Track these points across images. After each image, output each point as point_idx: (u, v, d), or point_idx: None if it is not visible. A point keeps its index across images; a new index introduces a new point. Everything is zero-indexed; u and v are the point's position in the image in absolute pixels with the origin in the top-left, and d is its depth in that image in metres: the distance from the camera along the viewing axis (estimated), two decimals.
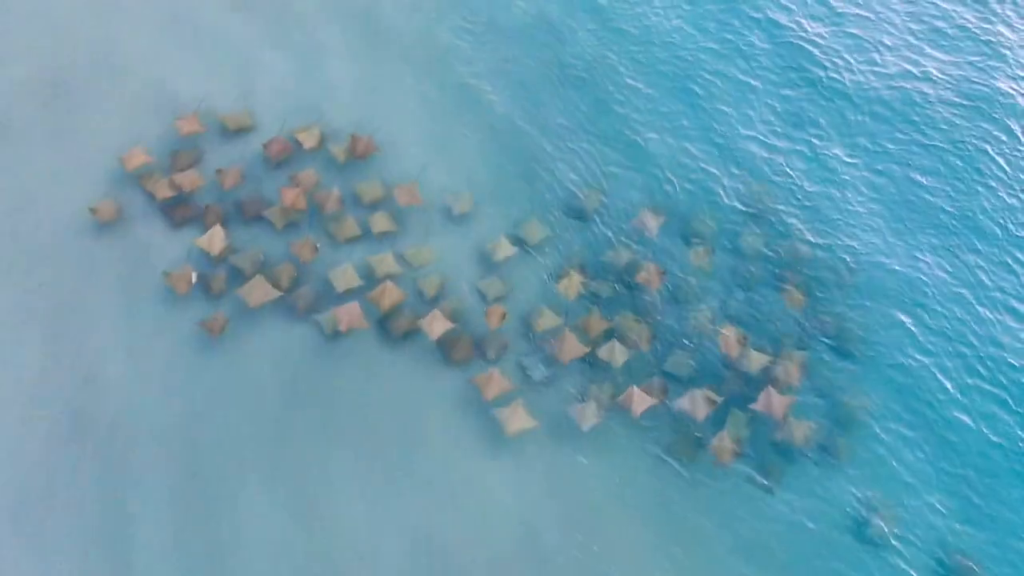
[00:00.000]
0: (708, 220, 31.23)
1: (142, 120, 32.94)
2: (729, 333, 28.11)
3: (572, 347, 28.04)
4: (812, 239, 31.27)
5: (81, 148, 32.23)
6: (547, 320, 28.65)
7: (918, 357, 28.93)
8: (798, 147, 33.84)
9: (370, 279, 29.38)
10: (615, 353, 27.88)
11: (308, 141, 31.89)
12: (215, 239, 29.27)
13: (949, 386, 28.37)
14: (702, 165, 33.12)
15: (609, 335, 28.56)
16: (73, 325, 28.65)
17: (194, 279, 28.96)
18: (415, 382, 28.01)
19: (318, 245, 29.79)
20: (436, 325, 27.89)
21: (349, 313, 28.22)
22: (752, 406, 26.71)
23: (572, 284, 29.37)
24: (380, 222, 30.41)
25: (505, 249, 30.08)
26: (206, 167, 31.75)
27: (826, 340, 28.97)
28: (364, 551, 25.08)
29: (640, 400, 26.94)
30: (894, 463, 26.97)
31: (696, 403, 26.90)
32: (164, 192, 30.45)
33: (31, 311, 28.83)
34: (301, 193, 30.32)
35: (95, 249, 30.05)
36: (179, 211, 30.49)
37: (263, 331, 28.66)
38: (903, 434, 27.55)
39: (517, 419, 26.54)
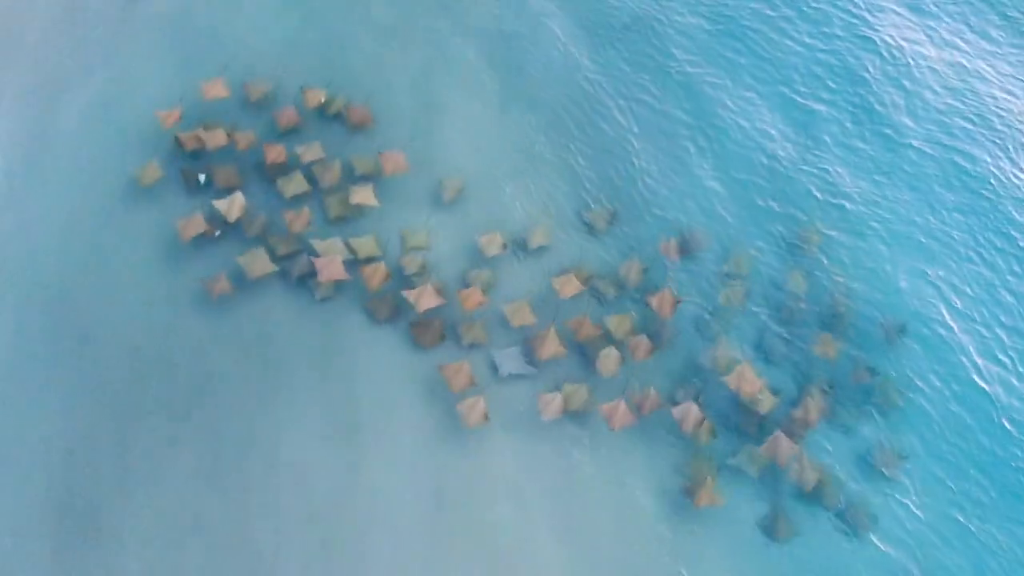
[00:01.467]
0: (747, 255, 29.06)
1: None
2: (744, 370, 25.85)
3: (551, 346, 26.46)
4: (859, 288, 28.75)
5: None
6: (523, 315, 27.23)
7: (961, 429, 26.48)
8: (858, 190, 31.19)
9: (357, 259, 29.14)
10: (608, 361, 26.19)
11: (312, 102, 32.53)
12: (235, 205, 29.48)
13: (992, 458, 25.89)
14: (750, 195, 31.03)
15: (606, 342, 27.03)
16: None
17: (217, 233, 29.46)
18: (388, 358, 27.43)
19: (311, 220, 29.73)
20: (425, 299, 27.29)
21: (330, 265, 28.04)
22: (761, 448, 25.01)
23: (570, 282, 27.72)
24: (360, 194, 29.87)
25: (495, 245, 28.93)
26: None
27: (858, 393, 26.60)
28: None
29: (623, 416, 25.32)
30: (923, 530, 24.80)
31: (688, 415, 25.43)
32: (191, 144, 31.24)
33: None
34: (282, 152, 30.94)
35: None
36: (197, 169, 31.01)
37: (253, 290, 28.76)
38: (937, 503, 25.25)
39: (475, 415, 25.58)
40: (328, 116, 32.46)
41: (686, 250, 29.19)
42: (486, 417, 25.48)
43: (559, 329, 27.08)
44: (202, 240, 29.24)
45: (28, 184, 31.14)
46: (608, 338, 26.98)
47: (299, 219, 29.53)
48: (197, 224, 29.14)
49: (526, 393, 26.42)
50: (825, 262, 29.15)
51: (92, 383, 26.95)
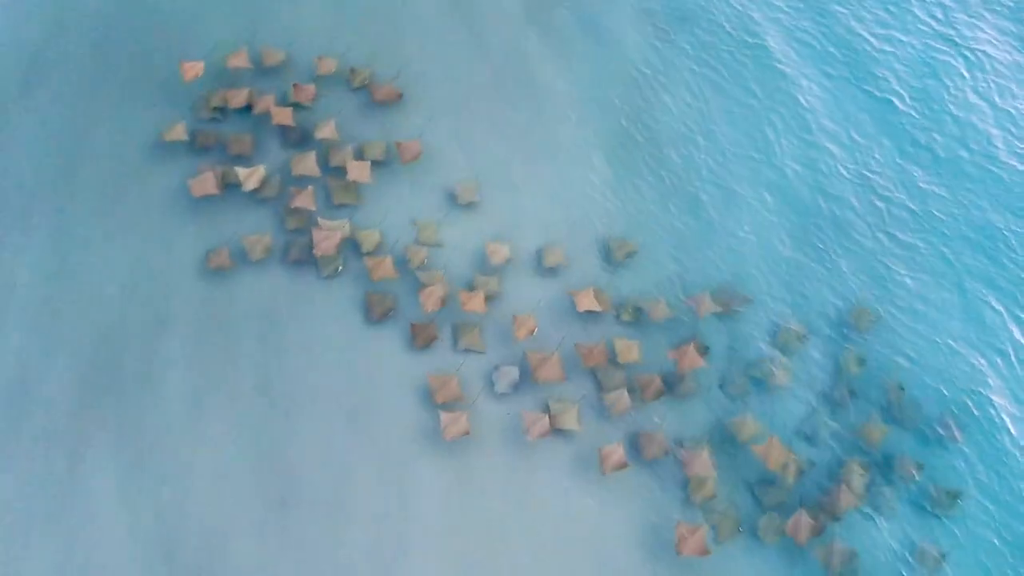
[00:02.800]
0: (795, 331, 26.16)
1: None
2: (775, 442, 23.57)
3: (552, 370, 24.77)
4: (915, 376, 25.86)
5: None
6: (528, 328, 25.58)
7: (1014, 539, 23.71)
8: (923, 270, 28.09)
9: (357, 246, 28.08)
10: (620, 403, 24.43)
11: (323, 70, 31.59)
12: (254, 176, 28.85)
13: None
14: (802, 256, 28.18)
15: (615, 373, 25.19)
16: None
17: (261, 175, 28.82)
18: (381, 355, 26.13)
19: (313, 208, 28.60)
20: (432, 299, 26.07)
21: (326, 241, 27.28)
22: (785, 524, 23.03)
23: (588, 297, 25.94)
24: (356, 170, 28.83)
25: (501, 255, 27.24)
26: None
27: (905, 486, 24.17)
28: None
29: (617, 461, 23.61)
30: None
31: (696, 461, 23.62)
32: (214, 102, 30.83)
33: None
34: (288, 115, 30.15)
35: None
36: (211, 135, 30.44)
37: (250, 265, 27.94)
38: None
39: (457, 427, 24.17)
40: (354, 89, 31.15)
41: (722, 306, 26.37)
42: (467, 433, 23.99)
43: (565, 350, 25.45)
44: (211, 201, 28.76)
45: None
46: (613, 361, 25.23)
47: (302, 196, 28.56)
48: (207, 183, 28.54)
49: (517, 408, 24.96)
50: (879, 345, 26.15)
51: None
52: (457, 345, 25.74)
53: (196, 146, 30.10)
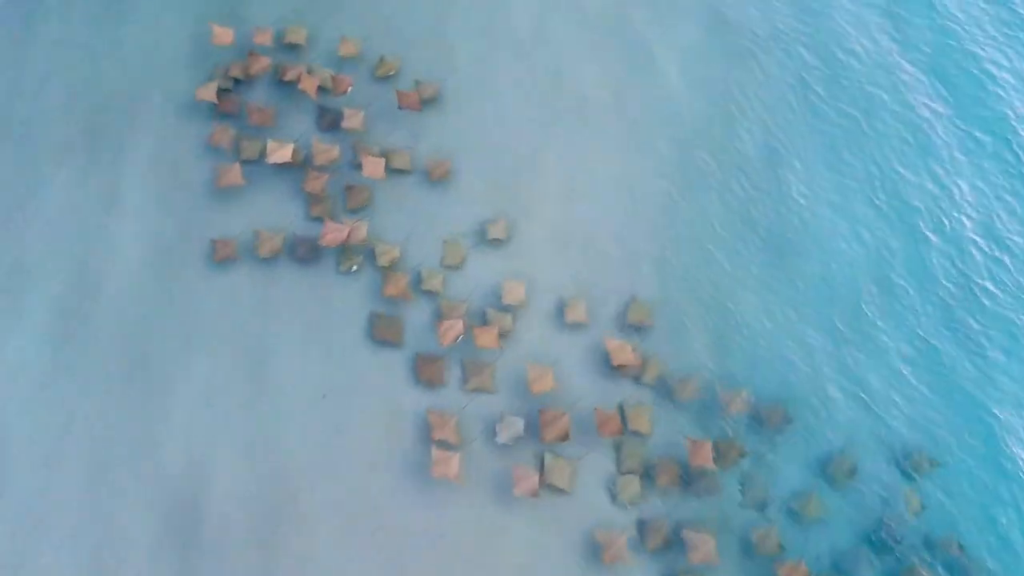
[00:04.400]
0: (847, 461, 23.72)
1: None
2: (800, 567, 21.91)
3: (561, 432, 23.20)
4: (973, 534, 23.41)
5: None
6: (544, 382, 23.83)
7: None
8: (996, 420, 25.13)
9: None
10: (629, 488, 22.83)
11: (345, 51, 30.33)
12: (283, 152, 27.62)
13: None
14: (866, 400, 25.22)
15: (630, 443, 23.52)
16: None
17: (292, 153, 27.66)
18: (382, 377, 24.52)
19: (325, 187, 27.54)
20: (451, 333, 24.59)
21: (336, 232, 26.21)
22: None
23: (623, 351, 24.33)
24: (370, 166, 27.52)
25: (516, 295, 25.58)
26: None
27: None
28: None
29: (619, 552, 21.96)
30: None
31: (701, 546, 22.03)
32: (234, 71, 29.66)
33: None
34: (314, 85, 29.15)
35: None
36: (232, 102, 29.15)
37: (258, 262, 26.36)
38: None
39: (446, 468, 22.72)
40: (376, 79, 29.68)
41: (765, 417, 24.07)
42: (456, 477, 22.51)
43: (579, 411, 23.83)
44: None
45: None
46: (622, 418, 23.74)
47: (316, 182, 27.48)
48: (234, 175, 27.36)
49: (512, 459, 23.41)
50: (940, 494, 23.59)
51: None
52: (466, 384, 24.09)
53: (219, 110, 28.78)
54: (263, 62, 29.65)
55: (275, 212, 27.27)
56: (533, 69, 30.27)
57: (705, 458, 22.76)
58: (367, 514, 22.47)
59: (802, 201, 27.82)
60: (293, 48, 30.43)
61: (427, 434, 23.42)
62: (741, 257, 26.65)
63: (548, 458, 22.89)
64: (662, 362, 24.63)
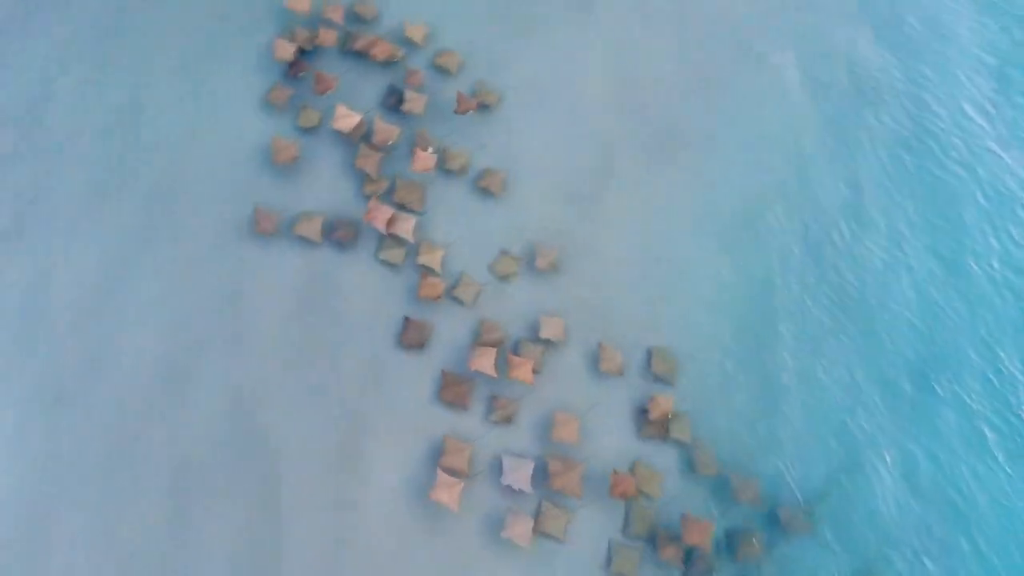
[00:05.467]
0: None
1: None
2: None
3: (570, 484, 22.46)
4: None
5: None
6: (568, 432, 23.03)
7: None
8: None
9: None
10: (623, 563, 22.02)
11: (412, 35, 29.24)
12: (349, 121, 27.08)
13: None
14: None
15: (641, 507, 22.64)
16: None
17: (357, 124, 27.07)
18: (403, 389, 23.71)
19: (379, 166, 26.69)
20: (484, 361, 23.71)
21: (381, 213, 25.67)
22: None
23: (665, 405, 23.46)
24: (422, 161, 26.67)
25: (553, 329, 24.56)
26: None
27: None
28: None
29: None
30: None
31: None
32: (300, 40, 28.86)
33: None
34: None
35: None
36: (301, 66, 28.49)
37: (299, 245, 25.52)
38: None
39: (446, 494, 22.09)
40: (434, 66, 28.58)
41: (785, 521, 22.84)
42: (455, 505, 21.92)
43: (592, 466, 23.05)
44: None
45: None
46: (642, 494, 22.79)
47: (370, 160, 26.65)
48: (290, 153, 26.60)
49: (514, 498, 22.72)
50: None
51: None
52: (490, 415, 23.31)
53: (289, 72, 28.07)
54: (331, 34, 28.71)
55: (325, 186, 26.27)
56: (608, 92, 28.72)
57: (701, 539, 22.04)
58: (345, 522, 22.10)
59: (878, 264, 26.43)
60: (362, 23, 29.36)
61: (436, 453, 22.87)
62: (801, 324, 25.42)
63: (545, 505, 22.33)
64: (692, 423, 23.74)
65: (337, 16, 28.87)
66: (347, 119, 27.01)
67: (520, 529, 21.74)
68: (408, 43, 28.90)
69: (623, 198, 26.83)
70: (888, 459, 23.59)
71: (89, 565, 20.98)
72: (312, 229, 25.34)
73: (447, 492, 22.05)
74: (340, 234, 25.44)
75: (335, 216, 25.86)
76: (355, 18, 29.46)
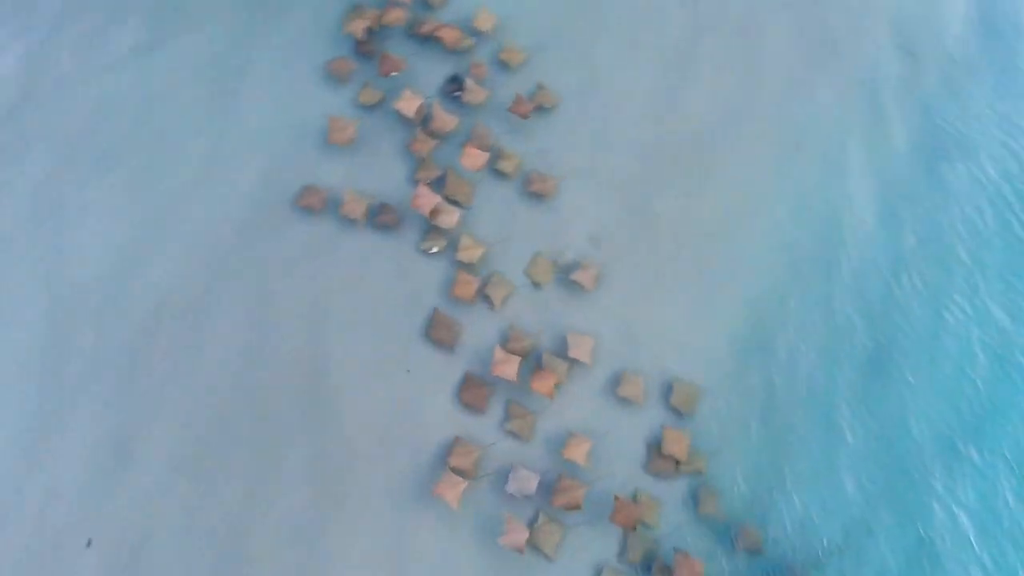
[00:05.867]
0: None
1: None
2: None
3: (572, 502, 22.57)
4: None
5: None
6: (578, 452, 23.06)
7: None
8: None
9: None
10: None
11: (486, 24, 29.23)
12: (413, 104, 27.16)
13: None
14: None
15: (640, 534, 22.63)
16: None
17: (419, 104, 27.15)
18: (422, 381, 24.02)
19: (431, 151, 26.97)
20: (508, 368, 23.87)
21: (429, 199, 25.68)
22: None
23: (679, 443, 23.34)
24: (472, 158, 26.58)
25: (583, 349, 24.37)
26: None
27: None
28: None
29: None
30: None
31: None
32: (367, 20, 28.87)
33: None
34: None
35: None
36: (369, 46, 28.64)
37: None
38: None
39: (449, 491, 22.41)
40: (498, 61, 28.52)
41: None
42: (456, 503, 22.24)
43: (597, 488, 23.06)
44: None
45: None
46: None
47: (424, 145, 26.81)
48: (347, 132, 26.73)
49: (515, 506, 22.91)
50: None
51: None
52: (506, 424, 23.48)
53: (359, 49, 28.22)
54: (400, 14, 28.65)
55: (377, 168, 26.46)
56: (672, 113, 28.29)
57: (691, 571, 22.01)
58: (345, 502, 22.53)
59: (948, 318, 25.67)
60: (428, 7, 29.29)
61: (445, 450, 23.16)
62: (842, 374, 24.84)
63: (541, 519, 22.46)
64: (705, 459, 23.51)
65: None
66: (410, 101, 27.02)
67: (516, 537, 21.92)
68: (476, 32, 28.79)
69: (676, 223, 26.52)
70: (920, 526, 23.16)
71: None
72: (357, 210, 25.56)
73: (450, 489, 22.32)
74: (384, 218, 25.63)
75: (382, 199, 26.06)
76: (424, 1, 29.44)
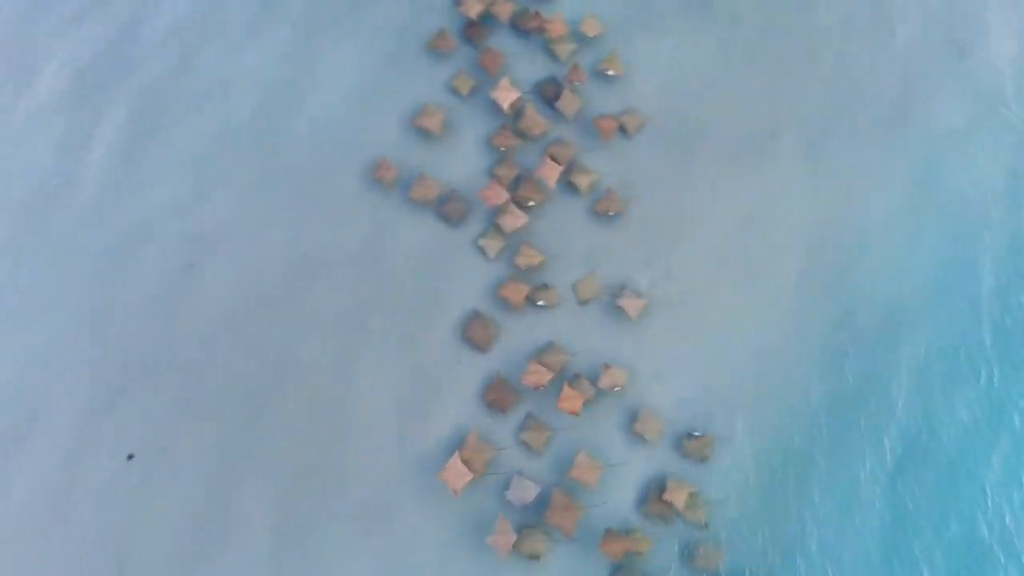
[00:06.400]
0: None
1: None
2: None
3: (566, 524, 23.05)
4: None
5: None
6: (588, 475, 23.52)
7: None
8: None
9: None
10: None
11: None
12: (508, 95, 27.80)
13: None
14: None
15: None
16: None
17: (515, 98, 27.66)
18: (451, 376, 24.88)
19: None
20: (538, 379, 24.61)
21: (499, 195, 26.37)
22: None
23: (680, 494, 23.52)
24: (547, 169, 26.87)
25: (617, 378, 24.68)
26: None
27: None
28: None
29: None
30: None
31: None
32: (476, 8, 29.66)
33: None
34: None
35: None
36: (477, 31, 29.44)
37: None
38: None
39: (454, 479, 23.31)
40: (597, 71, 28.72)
41: None
42: (456, 493, 23.15)
43: (592, 515, 23.53)
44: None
45: None
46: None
47: (507, 140, 27.43)
48: (436, 120, 27.59)
49: (511, 511, 23.63)
50: None
51: None
52: (521, 433, 24.15)
53: (467, 32, 29.09)
54: (507, 7, 29.11)
55: (456, 156, 27.07)
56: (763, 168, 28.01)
57: None
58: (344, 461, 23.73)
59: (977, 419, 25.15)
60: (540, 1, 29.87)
61: (458, 444, 23.98)
62: (872, 456, 24.50)
63: (529, 530, 22.96)
64: (708, 510, 23.59)
65: None
66: (507, 92, 27.45)
67: (503, 539, 22.66)
68: (582, 36, 28.92)
69: (727, 272, 26.42)
70: None
71: None
72: (426, 195, 26.25)
73: (456, 479, 23.18)
74: (450, 207, 26.28)
75: (453, 188, 26.72)
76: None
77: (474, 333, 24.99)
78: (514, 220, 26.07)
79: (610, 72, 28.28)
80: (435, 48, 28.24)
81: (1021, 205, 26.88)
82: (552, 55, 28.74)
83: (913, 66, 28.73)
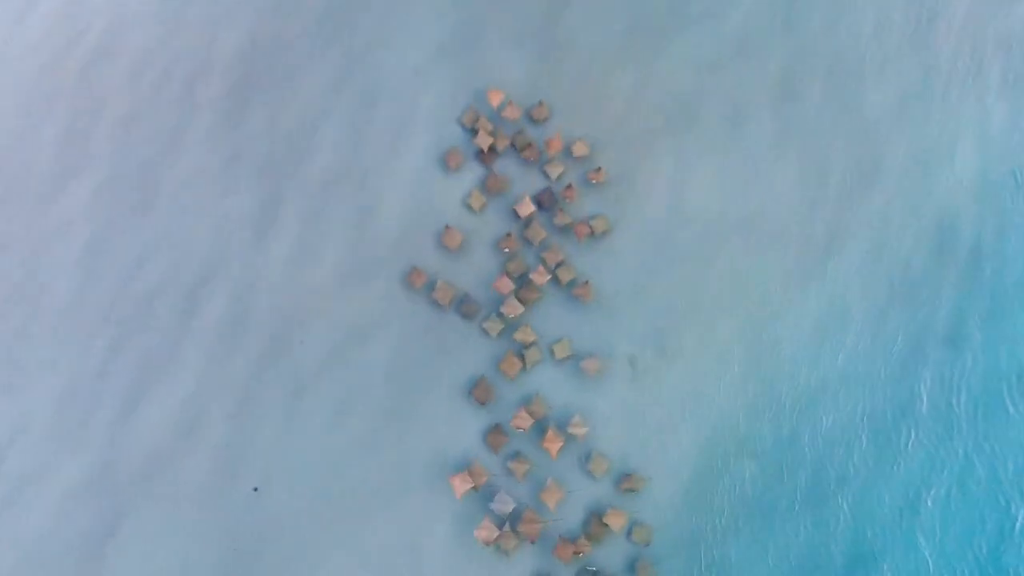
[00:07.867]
0: None
1: None
2: None
3: (532, 532, 32.26)
4: None
5: None
6: (553, 498, 32.46)
7: None
8: None
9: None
10: None
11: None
12: (525, 208, 36.90)
13: None
14: None
15: None
16: None
17: (529, 212, 36.88)
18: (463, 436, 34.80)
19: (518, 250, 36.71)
20: (522, 423, 33.87)
21: (507, 286, 35.64)
22: None
23: (618, 520, 32.29)
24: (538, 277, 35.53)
25: (580, 428, 33.59)
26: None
27: None
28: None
29: None
30: None
31: None
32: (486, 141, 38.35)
33: None
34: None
35: None
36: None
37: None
38: None
39: (460, 484, 32.81)
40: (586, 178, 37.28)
41: None
42: (459, 495, 32.54)
43: (552, 527, 32.48)
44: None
45: None
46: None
47: (514, 244, 36.35)
48: (456, 240, 36.57)
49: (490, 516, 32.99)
50: None
51: None
52: (508, 463, 33.40)
53: (480, 158, 38.33)
54: (505, 139, 37.65)
55: (470, 264, 36.73)
56: (727, 231, 36.20)
57: None
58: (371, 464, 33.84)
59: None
60: (536, 124, 38.32)
61: (464, 464, 33.63)
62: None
63: (506, 530, 31.98)
64: (650, 531, 31.96)
65: (514, 115, 38.03)
66: (524, 206, 36.49)
67: (486, 533, 32.29)
68: (571, 156, 37.78)
69: (697, 357, 34.92)
70: None
71: None
72: (446, 297, 35.85)
73: (460, 484, 32.74)
74: (466, 308, 35.67)
75: (467, 290, 36.18)
76: (529, 118, 38.61)
77: (479, 394, 34.56)
78: (513, 309, 35.43)
79: (594, 181, 36.88)
80: (447, 161, 37.46)
81: None
82: (545, 175, 37.53)
83: None
